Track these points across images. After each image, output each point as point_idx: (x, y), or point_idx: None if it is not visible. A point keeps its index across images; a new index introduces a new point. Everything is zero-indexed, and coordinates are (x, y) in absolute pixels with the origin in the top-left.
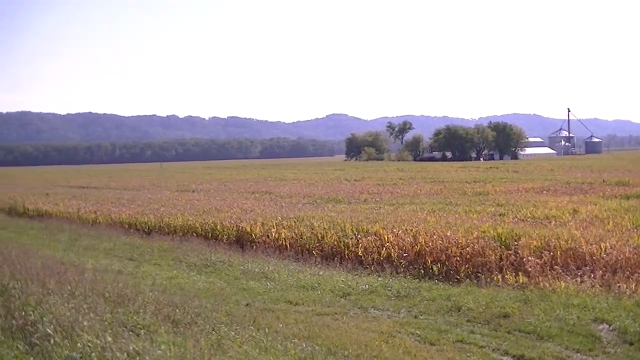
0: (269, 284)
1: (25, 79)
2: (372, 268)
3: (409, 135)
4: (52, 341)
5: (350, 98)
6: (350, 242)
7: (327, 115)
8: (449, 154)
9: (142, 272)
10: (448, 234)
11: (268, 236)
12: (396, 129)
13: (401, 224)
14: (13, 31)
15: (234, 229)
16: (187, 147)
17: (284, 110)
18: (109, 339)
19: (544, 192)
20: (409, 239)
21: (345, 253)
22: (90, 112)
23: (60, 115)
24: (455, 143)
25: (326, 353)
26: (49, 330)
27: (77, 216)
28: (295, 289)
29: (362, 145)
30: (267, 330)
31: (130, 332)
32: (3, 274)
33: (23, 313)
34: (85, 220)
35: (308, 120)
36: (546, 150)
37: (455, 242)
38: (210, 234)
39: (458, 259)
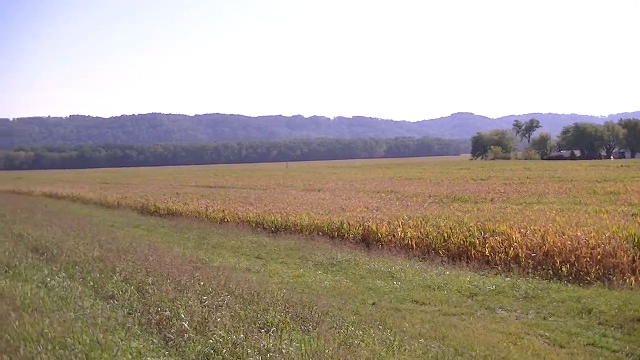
0: (395, 283)
1: (156, 82)
2: (500, 268)
3: (536, 134)
4: (186, 336)
5: (476, 96)
6: (477, 241)
7: (452, 114)
8: (577, 153)
9: (270, 271)
10: (578, 234)
11: (394, 235)
12: (523, 127)
13: (529, 223)
14: (143, 37)
15: (360, 228)
16: (312, 147)
17: (409, 109)
18: (242, 335)
19: None
20: (537, 239)
21: (472, 253)
22: (217, 113)
23: (189, 116)
24: (585, 141)
25: (454, 354)
26: (185, 326)
27: (205, 215)
28: (422, 289)
29: (488, 145)
30: (394, 330)
31: (261, 330)
32: (139, 272)
33: (159, 309)
34: (213, 219)
35: (433, 120)
36: None
37: (585, 242)
38: (336, 233)
39: (588, 260)
